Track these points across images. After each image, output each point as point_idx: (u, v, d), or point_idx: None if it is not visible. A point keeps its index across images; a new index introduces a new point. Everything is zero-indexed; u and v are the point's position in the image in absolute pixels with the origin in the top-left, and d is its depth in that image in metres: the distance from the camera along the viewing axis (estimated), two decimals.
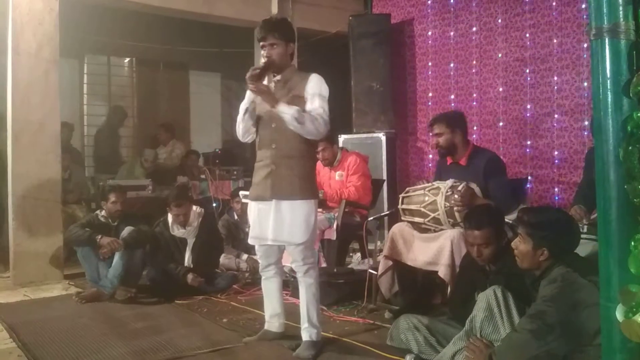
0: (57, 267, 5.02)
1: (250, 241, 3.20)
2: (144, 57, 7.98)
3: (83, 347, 3.19)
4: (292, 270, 4.54)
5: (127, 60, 8.15)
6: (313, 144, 3.17)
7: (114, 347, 3.17)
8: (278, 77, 3.06)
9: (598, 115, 1.37)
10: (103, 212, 4.52)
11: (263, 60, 3.00)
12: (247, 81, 2.88)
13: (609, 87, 1.33)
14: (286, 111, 2.88)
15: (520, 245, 2.42)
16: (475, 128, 5.59)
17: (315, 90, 2.98)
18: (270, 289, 3.28)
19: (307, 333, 3.07)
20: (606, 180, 1.40)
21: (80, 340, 3.32)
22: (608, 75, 1.33)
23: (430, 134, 3.91)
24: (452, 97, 5.96)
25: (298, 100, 2.96)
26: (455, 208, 3.33)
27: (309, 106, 2.95)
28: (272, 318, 3.28)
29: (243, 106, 3.07)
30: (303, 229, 2.99)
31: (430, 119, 3.96)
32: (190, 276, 4.31)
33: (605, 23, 1.34)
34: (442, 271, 3.29)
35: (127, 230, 4.32)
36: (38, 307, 4.12)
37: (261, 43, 3.02)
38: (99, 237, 4.24)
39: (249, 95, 3.06)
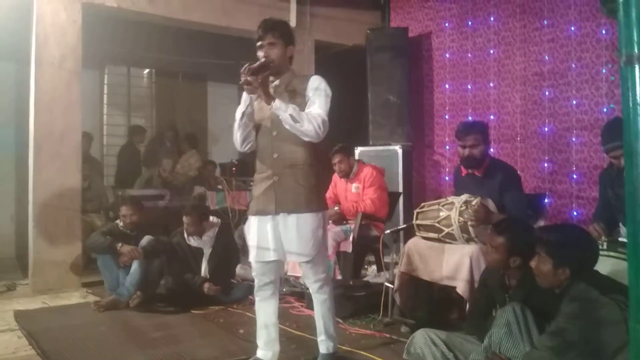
0: (75, 275, 5.07)
1: (252, 259, 2.94)
2: (163, 68, 8.09)
3: (102, 355, 3.23)
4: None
5: (146, 71, 8.26)
6: (320, 152, 2.93)
7: (132, 356, 3.20)
8: (276, 82, 2.87)
9: (629, 139, 1.37)
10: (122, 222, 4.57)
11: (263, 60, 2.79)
12: (242, 75, 2.67)
13: (639, 112, 1.33)
14: (282, 108, 2.68)
15: (540, 265, 2.39)
16: (492, 142, 5.56)
17: (316, 90, 2.81)
18: (266, 311, 3.00)
19: (324, 345, 3.01)
20: (637, 204, 1.39)
21: (99, 348, 3.35)
22: (638, 100, 1.33)
23: (460, 142, 3.67)
24: (470, 110, 5.95)
25: (299, 104, 2.77)
26: (469, 223, 3.31)
27: (309, 107, 2.78)
28: (266, 345, 2.98)
29: (239, 111, 2.84)
30: (311, 244, 2.82)
31: (462, 128, 3.70)
32: (206, 285, 4.33)
33: (636, 50, 1.33)
34: (461, 287, 3.28)
35: (146, 239, 4.37)
36: (57, 315, 4.17)
37: (259, 43, 2.84)
38: (119, 245, 4.29)
39: (245, 98, 2.82)
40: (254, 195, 2.95)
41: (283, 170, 2.83)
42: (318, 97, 2.79)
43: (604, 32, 4.80)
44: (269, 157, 2.86)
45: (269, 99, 2.70)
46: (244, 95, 2.81)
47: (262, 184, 2.87)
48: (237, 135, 2.88)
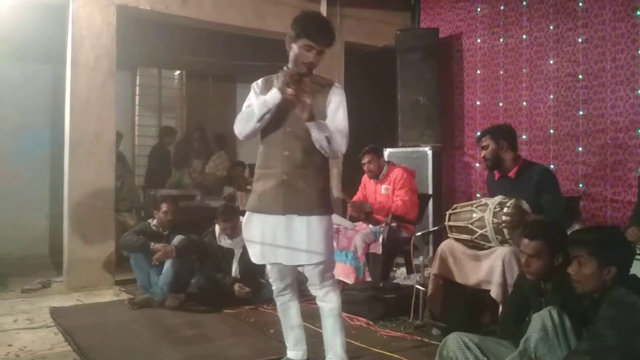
0: (108, 273, 5.16)
1: (255, 259, 2.83)
2: (194, 70, 8.18)
3: (136, 352, 3.28)
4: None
5: (177, 73, 8.37)
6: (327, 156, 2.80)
7: (166, 353, 3.24)
8: None
9: None
10: (154, 221, 4.64)
11: (303, 63, 2.63)
12: (284, 83, 2.52)
13: None
14: (319, 129, 2.55)
15: (583, 268, 2.30)
16: (525, 144, 5.49)
17: (339, 103, 2.69)
18: (290, 314, 2.98)
19: None
20: None
21: (133, 345, 3.41)
22: None
23: (479, 147, 3.91)
24: (501, 111, 5.89)
25: (316, 109, 2.60)
26: (502, 225, 3.27)
27: (330, 119, 2.65)
28: (295, 346, 2.98)
29: (263, 107, 2.62)
30: (323, 248, 2.68)
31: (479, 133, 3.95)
32: (237, 287, 4.35)
33: None
34: (494, 290, 3.25)
35: (178, 239, 4.43)
36: (91, 312, 4.25)
37: (310, 43, 2.61)
38: (153, 244, 4.35)
39: (275, 96, 2.59)
40: (258, 191, 2.77)
41: (294, 170, 2.68)
42: (343, 112, 2.68)
43: (639, 32, 4.71)
44: (278, 154, 2.71)
45: (310, 117, 2.53)
46: (273, 91, 2.60)
47: (269, 181, 2.72)
48: (248, 127, 2.69)
